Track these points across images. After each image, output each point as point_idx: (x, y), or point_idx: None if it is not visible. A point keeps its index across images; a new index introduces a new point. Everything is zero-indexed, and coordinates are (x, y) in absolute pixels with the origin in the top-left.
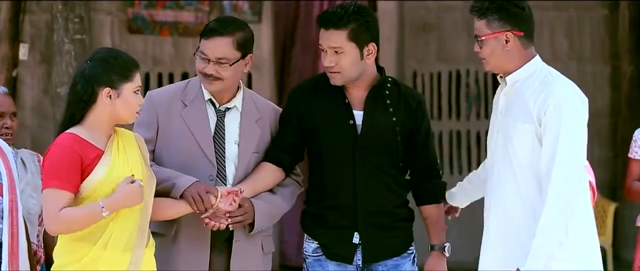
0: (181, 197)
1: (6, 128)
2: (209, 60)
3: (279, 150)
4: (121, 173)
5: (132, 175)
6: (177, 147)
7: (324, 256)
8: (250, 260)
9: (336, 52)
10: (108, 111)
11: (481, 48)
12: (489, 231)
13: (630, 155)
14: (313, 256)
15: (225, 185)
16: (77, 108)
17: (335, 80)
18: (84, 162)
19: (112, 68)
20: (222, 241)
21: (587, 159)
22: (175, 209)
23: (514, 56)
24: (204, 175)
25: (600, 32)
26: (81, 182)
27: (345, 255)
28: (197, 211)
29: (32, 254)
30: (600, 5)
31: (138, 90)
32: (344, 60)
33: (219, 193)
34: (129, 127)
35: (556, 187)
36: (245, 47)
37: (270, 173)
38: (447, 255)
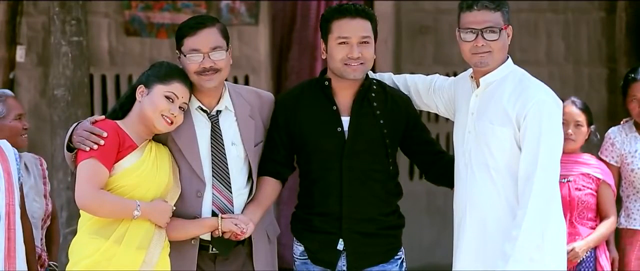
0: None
1: (24, 129)
2: (203, 54)
3: (276, 163)
4: (148, 173)
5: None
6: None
7: (309, 260)
8: (262, 252)
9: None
10: (138, 107)
11: (496, 40)
12: (463, 233)
13: (601, 155)
14: (300, 259)
15: (230, 191)
16: (119, 103)
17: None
18: (120, 147)
19: (153, 71)
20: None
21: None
22: (184, 232)
23: (506, 51)
24: (192, 191)
25: (597, 35)
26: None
27: (328, 261)
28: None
29: (35, 257)
30: (597, 8)
31: (171, 97)
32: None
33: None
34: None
35: (538, 191)
36: (227, 35)
37: (273, 187)
38: None
